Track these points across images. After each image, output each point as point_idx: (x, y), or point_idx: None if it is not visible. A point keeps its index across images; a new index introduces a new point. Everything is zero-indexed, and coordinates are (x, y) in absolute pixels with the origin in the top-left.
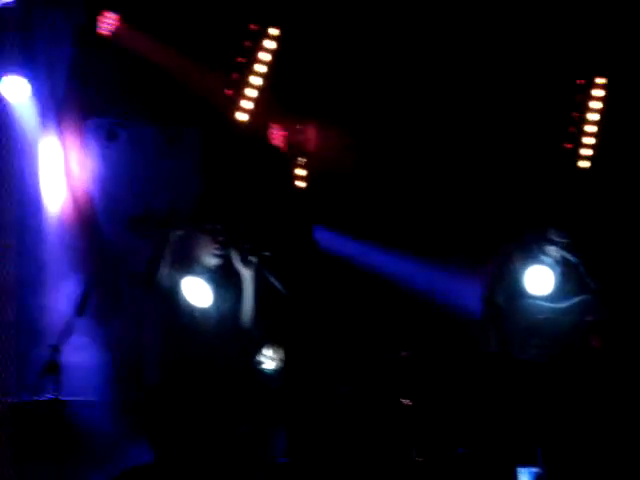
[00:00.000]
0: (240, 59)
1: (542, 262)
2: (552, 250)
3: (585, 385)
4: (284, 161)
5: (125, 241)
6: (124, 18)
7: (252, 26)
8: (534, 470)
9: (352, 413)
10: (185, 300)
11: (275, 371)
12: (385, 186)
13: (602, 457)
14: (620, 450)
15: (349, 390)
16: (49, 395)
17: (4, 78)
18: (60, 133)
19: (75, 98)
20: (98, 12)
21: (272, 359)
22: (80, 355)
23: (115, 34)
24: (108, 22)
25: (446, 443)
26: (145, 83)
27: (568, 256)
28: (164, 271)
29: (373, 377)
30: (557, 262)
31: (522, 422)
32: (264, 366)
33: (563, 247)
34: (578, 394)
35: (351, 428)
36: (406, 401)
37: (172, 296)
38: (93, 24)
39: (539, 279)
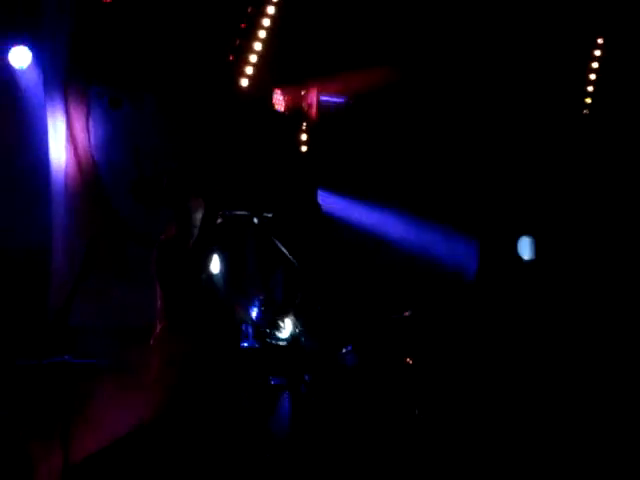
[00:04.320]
0: (242, 25)
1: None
2: None
3: None
4: (287, 125)
5: (129, 205)
6: None
7: None
8: None
9: (356, 372)
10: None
11: (290, 338)
12: (384, 147)
13: None
14: None
15: (352, 349)
16: (56, 358)
17: (13, 49)
18: (65, 101)
19: (79, 66)
20: None
21: (286, 328)
22: (86, 318)
23: (118, 1)
24: None
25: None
26: (148, 51)
27: None
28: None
29: (377, 336)
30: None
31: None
32: (279, 334)
33: None
34: None
35: (355, 387)
36: (408, 359)
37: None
38: None
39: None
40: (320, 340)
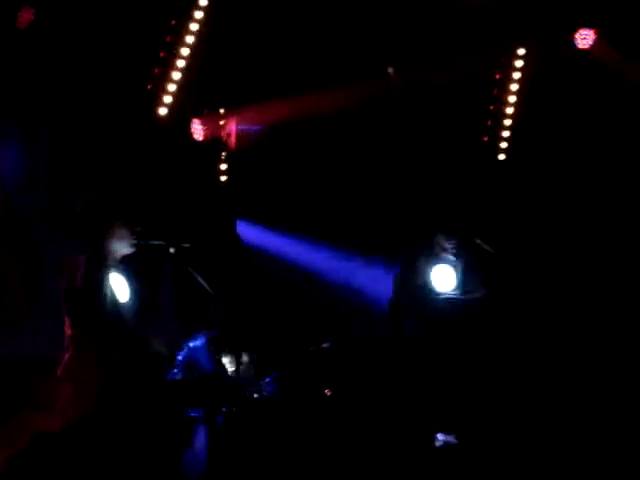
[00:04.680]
0: (161, 53)
1: (444, 260)
2: (448, 245)
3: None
4: (205, 155)
5: (44, 235)
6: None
7: (172, 21)
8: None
9: (275, 403)
10: (112, 294)
11: (234, 373)
12: (305, 178)
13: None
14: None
15: (273, 380)
16: None
17: None
18: None
19: None
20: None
21: (231, 363)
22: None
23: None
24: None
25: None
26: (60, 78)
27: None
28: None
29: (296, 368)
30: (456, 257)
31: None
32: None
33: (452, 250)
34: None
35: (274, 417)
36: (327, 390)
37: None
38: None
39: (443, 277)
40: (240, 371)
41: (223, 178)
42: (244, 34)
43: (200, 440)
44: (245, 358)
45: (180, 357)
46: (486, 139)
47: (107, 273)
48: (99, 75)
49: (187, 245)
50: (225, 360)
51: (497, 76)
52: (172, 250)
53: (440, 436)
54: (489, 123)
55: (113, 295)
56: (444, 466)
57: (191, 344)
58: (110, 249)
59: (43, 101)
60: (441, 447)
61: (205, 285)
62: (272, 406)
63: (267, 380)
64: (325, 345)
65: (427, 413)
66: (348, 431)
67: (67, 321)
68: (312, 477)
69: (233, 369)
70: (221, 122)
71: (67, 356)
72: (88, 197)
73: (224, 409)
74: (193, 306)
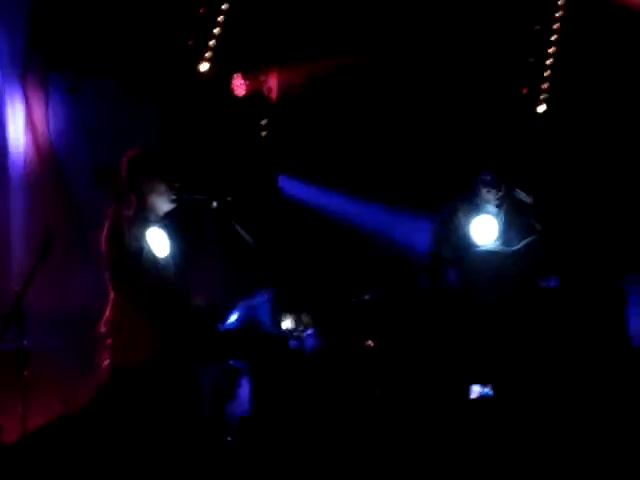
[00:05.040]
0: (202, 9)
1: (485, 211)
2: (490, 195)
3: (536, 322)
4: (246, 110)
5: (88, 191)
6: None
7: None
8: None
9: (317, 355)
10: (150, 251)
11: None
12: (345, 132)
13: (549, 388)
14: (566, 382)
15: (315, 332)
16: (14, 343)
17: None
18: (23, 88)
19: (36, 53)
20: None
21: (292, 323)
22: (44, 302)
23: None
24: None
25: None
26: (106, 35)
27: (506, 200)
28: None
29: (338, 320)
30: (499, 208)
31: (477, 352)
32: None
33: (493, 201)
34: (529, 330)
35: (316, 370)
36: (370, 342)
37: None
38: None
39: (484, 228)
40: (276, 321)
41: (264, 132)
42: None
43: (244, 391)
44: (305, 318)
45: (238, 313)
46: (526, 91)
47: (147, 229)
48: (142, 31)
49: (229, 199)
50: (286, 319)
51: (536, 27)
52: (214, 204)
53: (476, 387)
54: (529, 74)
55: (152, 250)
56: (479, 418)
57: (253, 301)
58: (151, 205)
59: (87, 59)
60: (477, 399)
61: (248, 239)
62: (314, 358)
63: (308, 332)
64: (366, 297)
65: (464, 365)
66: (388, 382)
67: (108, 277)
68: (352, 427)
69: (294, 328)
70: (262, 77)
71: (109, 310)
72: (131, 154)
73: (267, 360)
74: (238, 261)
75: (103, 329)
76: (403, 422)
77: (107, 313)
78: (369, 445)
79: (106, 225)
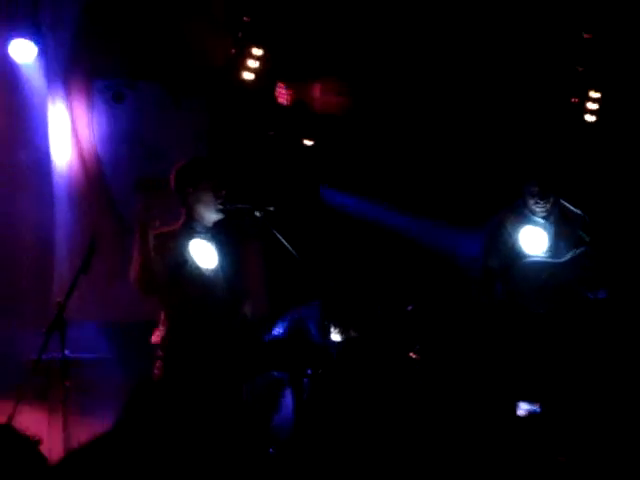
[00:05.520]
0: (245, 18)
1: (534, 222)
2: (539, 207)
3: (586, 333)
4: (290, 119)
5: (132, 201)
6: None
7: None
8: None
9: (360, 366)
10: (194, 263)
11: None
12: (390, 144)
13: (599, 402)
14: (616, 395)
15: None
16: (55, 353)
17: (12, 41)
18: (68, 94)
19: (81, 59)
20: None
21: (339, 335)
22: (86, 312)
23: None
24: None
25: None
26: (151, 43)
27: (554, 211)
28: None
29: (381, 330)
30: (547, 219)
31: (525, 368)
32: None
33: (547, 202)
34: (579, 342)
35: (359, 381)
36: (414, 354)
37: (182, 260)
38: None
39: (533, 239)
40: (324, 333)
41: (307, 142)
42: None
43: (287, 403)
44: (352, 330)
45: (284, 325)
46: (575, 100)
47: (192, 240)
48: (186, 39)
49: (272, 208)
50: (333, 331)
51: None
52: (258, 214)
53: (523, 404)
54: (578, 84)
55: (197, 262)
56: (526, 435)
57: (299, 313)
58: (198, 215)
59: (133, 66)
60: (524, 416)
61: (290, 248)
62: (358, 369)
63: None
64: (410, 308)
65: (512, 381)
66: (432, 394)
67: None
68: (395, 439)
69: (341, 340)
70: (306, 88)
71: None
72: (178, 165)
73: (309, 371)
74: (282, 270)
75: (155, 339)
76: (449, 438)
77: (159, 326)
78: (415, 459)
79: (151, 238)
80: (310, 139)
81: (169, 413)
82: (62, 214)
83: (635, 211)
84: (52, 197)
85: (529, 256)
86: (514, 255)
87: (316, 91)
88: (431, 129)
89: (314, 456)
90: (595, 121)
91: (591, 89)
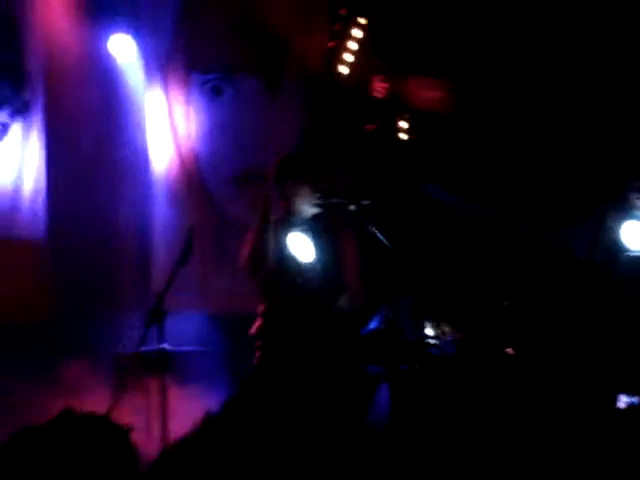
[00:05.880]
0: (342, 11)
1: (636, 217)
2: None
3: None
4: (385, 113)
5: (229, 194)
6: None
7: None
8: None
9: (456, 363)
10: (291, 255)
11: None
12: (487, 140)
13: None
14: None
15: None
16: (155, 345)
17: (112, 37)
18: (165, 89)
19: (180, 54)
20: None
21: (432, 331)
22: (185, 304)
23: None
24: None
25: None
26: (247, 36)
27: None
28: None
29: (477, 327)
30: None
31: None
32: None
33: None
34: None
35: (454, 378)
36: (510, 350)
37: (275, 256)
38: None
39: (635, 234)
40: (419, 329)
41: (404, 136)
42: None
43: (383, 398)
44: (446, 325)
45: (379, 318)
46: None
47: (290, 233)
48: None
49: (367, 202)
50: (427, 326)
51: None
52: (352, 207)
53: (624, 397)
54: None
55: (295, 255)
56: (627, 428)
57: (394, 307)
58: (296, 209)
59: (230, 59)
60: (625, 408)
61: (385, 242)
62: (453, 364)
63: (449, 340)
64: (506, 303)
65: (612, 374)
66: (529, 390)
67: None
68: (488, 434)
69: (433, 337)
70: (402, 82)
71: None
72: (277, 159)
73: (403, 367)
74: (378, 264)
75: (254, 331)
76: (546, 433)
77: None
78: (509, 454)
79: (250, 234)
80: (407, 134)
81: (266, 406)
82: (160, 208)
83: None
84: (151, 192)
85: (632, 250)
86: (616, 249)
87: (413, 86)
88: (530, 128)
89: (408, 452)
90: None
91: None
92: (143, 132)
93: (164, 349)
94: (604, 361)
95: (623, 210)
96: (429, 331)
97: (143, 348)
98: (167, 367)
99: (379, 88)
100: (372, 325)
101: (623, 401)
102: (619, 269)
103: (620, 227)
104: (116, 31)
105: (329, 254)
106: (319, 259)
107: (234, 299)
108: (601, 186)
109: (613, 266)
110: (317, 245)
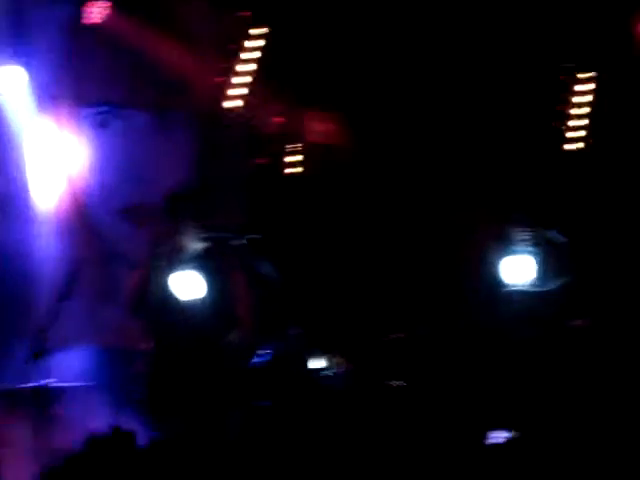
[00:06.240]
0: (231, 46)
1: (520, 251)
2: (524, 236)
3: (568, 360)
4: (277, 147)
5: (119, 228)
6: (115, 5)
7: (242, 13)
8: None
9: (344, 394)
10: (173, 296)
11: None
12: (380, 171)
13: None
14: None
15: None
16: (36, 382)
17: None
18: (55, 121)
19: (69, 86)
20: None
21: (332, 366)
22: (69, 339)
23: (105, 21)
24: (98, 10)
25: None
26: (137, 70)
27: (541, 240)
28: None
29: (367, 358)
30: (532, 248)
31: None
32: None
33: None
34: (560, 369)
35: (342, 410)
36: (397, 383)
37: (162, 292)
38: (82, 13)
39: (518, 269)
40: (309, 360)
41: (295, 170)
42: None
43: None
44: (336, 357)
45: (269, 352)
46: (563, 128)
47: (177, 270)
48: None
49: (256, 237)
50: (317, 358)
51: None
52: (241, 242)
53: (497, 433)
54: (559, 112)
55: (180, 292)
56: (500, 464)
57: (283, 339)
58: (183, 245)
59: (117, 93)
60: (497, 444)
61: (272, 277)
62: (341, 396)
63: (339, 371)
64: (398, 335)
65: (492, 410)
66: (412, 422)
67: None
68: (377, 467)
69: (326, 368)
70: (296, 116)
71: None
72: (173, 192)
73: (291, 400)
74: (268, 299)
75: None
76: (426, 463)
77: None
78: None
79: (136, 271)
80: (298, 167)
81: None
82: (45, 242)
83: (620, 240)
84: (34, 226)
85: (514, 285)
86: (497, 285)
87: (306, 119)
88: (417, 154)
89: None
90: (580, 150)
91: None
92: (23, 166)
93: (45, 385)
94: (485, 395)
95: (504, 245)
96: (321, 362)
97: (27, 385)
98: (48, 402)
99: (271, 122)
100: (260, 359)
101: (502, 436)
102: (500, 304)
103: (502, 262)
104: (3, 62)
105: (219, 289)
106: (209, 294)
107: (123, 334)
108: (483, 222)
109: (495, 302)
110: (207, 280)
